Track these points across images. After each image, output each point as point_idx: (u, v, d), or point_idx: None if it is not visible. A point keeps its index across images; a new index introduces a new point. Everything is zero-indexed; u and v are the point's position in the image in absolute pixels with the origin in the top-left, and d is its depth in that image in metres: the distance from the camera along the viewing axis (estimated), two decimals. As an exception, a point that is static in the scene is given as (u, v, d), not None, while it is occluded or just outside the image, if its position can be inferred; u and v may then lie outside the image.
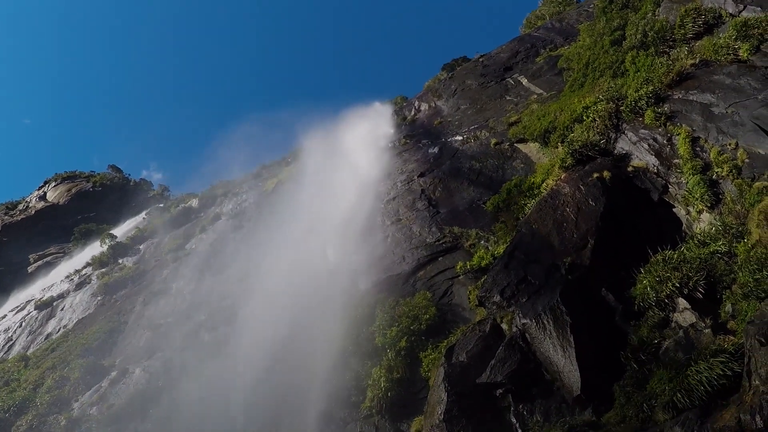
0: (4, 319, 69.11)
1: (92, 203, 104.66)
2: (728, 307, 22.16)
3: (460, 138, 47.03)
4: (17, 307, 71.67)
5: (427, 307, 31.82)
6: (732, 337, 20.98)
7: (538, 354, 23.94)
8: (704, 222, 26.46)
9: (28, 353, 55.64)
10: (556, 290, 24.93)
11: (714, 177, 26.84)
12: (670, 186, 28.66)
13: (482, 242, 34.73)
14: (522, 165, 39.51)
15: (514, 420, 23.20)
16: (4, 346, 61.11)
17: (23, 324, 64.13)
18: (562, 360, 23.09)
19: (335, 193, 45.55)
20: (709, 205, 26.45)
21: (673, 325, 23.06)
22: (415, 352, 29.75)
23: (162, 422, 34.92)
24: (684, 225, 27.57)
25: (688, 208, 27.56)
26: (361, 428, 28.42)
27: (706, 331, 21.79)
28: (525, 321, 24.63)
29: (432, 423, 24.16)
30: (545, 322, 23.95)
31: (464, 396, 24.17)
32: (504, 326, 25.96)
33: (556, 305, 24.18)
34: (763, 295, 20.76)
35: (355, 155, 50.60)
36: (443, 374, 25.23)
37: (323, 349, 32.29)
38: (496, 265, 29.06)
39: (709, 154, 27.69)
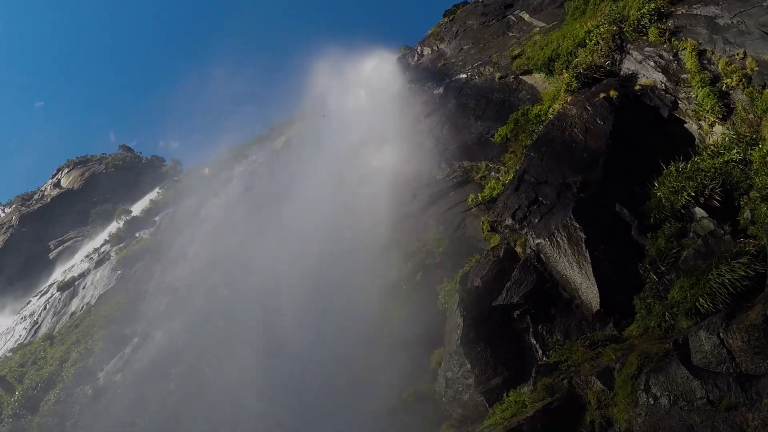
0: (29, 305, 69.85)
1: (106, 185, 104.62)
2: (747, 214, 21.74)
3: (464, 76, 46.19)
4: (40, 291, 72.37)
5: (441, 241, 31.64)
6: (753, 240, 20.56)
7: (555, 273, 23.73)
8: (717, 134, 25.92)
9: (53, 333, 56.25)
10: (568, 208, 24.54)
11: (723, 88, 26.17)
12: (679, 101, 28.01)
13: (492, 174, 34.25)
14: (528, 96, 38.77)
15: (533, 341, 23.02)
16: (30, 329, 61.75)
17: (47, 306, 64.74)
18: (579, 277, 22.87)
19: (343, 143, 45.19)
20: (720, 116, 25.88)
21: (691, 234, 22.61)
22: (431, 285, 29.50)
23: (184, 379, 35.19)
24: (697, 139, 26.98)
25: (699, 122, 27.01)
26: (382, 366, 28.19)
27: (726, 237, 21.46)
28: (539, 241, 24.37)
29: (450, 350, 24.04)
30: (559, 240, 23.67)
31: (480, 320, 23.96)
32: (518, 249, 25.63)
33: (569, 222, 23.84)
34: (782, 196, 20.27)
35: (360, 103, 50.08)
36: (458, 300, 25.10)
37: (338, 290, 32.21)
38: (506, 189, 28.69)
39: (717, 66, 27.02)
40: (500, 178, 32.97)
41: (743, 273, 18.81)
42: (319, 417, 26.77)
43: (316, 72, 57.21)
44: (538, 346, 22.75)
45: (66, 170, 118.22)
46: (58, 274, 75.47)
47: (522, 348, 23.10)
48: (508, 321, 23.77)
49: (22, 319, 66.10)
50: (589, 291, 22.47)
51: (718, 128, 25.99)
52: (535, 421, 19.03)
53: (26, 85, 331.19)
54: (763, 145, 22.76)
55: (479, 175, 35.11)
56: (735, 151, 23.66)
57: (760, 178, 21.59)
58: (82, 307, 58.43)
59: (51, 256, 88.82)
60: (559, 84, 35.43)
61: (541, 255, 24.19)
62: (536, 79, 39.56)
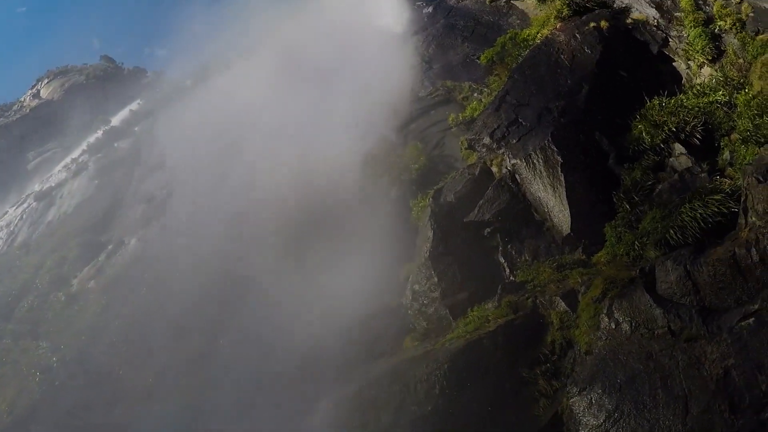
0: (6, 215, 69.14)
1: (87, 96, 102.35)
2: (726, 155, 22.21)
3: (455, -4, 45.31)
4: (17, 202, 71.72)
5: (418, 157, 31.29)
6: (729, 180, 20.92)
7: (528, 194, 23.90)
8: (704, 75, 25.98)
9: (29, 241, 56.35)
10: (547, 131, 24.45)
11: (716, 30, 25.99)
12: (670, 39, 27.78)
13: (475, 95, 33.89)
14: (518, 21, 37.94)
15: (502, 259, 23.36)
16: (7, 240, 61.17)
17: (24, 216, 64.18)
18: (552, 200, 23.09)
19: (328, 58, 44.23)
20: (710, 58, 25.83)
21: (668, 169, 22.95)
22: (405, 200, 29.35)
23: (156, 283, 35.24)
24: (684, 79, 26.92)
25: (688, 62, 26.95)
26: (353, 278, 28.13)
27: (703, 175, 21.78)
28: (515, 161, 24.38)
29: (419, 263, 24.35)
30: (535, 162, 23.71)
31: (451, 234, 24.25)
32: (494, 169, 25.58)
33: (546, 145, 23.84)
34: (763, 140, 20.72)
35: (347, 20, 48.85)
36: (429, 213, 25.29)
37: (311, 202, 32.04)
38: (486, 108, 28.51)
39: (712, 8, 26.61)
40: (482, 100, 32.54)
41: (716, 209, 19.11)
42: (291, 325, 26.82)
43: None
44: (506, 265, 23.10)
45: (46, 81, 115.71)
46: (36, 185, 74.64)
47: (490, 265, 23.44)
48: (478, 238, 24.02)
49: (-1, 229, 65.60)
50: (561, 215, 22.74)
51: (707, 69, 26.01)
52: (497, 336, 19.36)
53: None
54: (749, 90, 22.95)
55: (462, 96, 34.78)
56: (721, 93, 23.87)
57: (743, 122, 21.87)
58: (59, 217, 58.11)
59: (29, 167, 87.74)
60: (550, 11, 34.71)
61: (517, 176, 24.25)
62: (527, 5, 38.77)
